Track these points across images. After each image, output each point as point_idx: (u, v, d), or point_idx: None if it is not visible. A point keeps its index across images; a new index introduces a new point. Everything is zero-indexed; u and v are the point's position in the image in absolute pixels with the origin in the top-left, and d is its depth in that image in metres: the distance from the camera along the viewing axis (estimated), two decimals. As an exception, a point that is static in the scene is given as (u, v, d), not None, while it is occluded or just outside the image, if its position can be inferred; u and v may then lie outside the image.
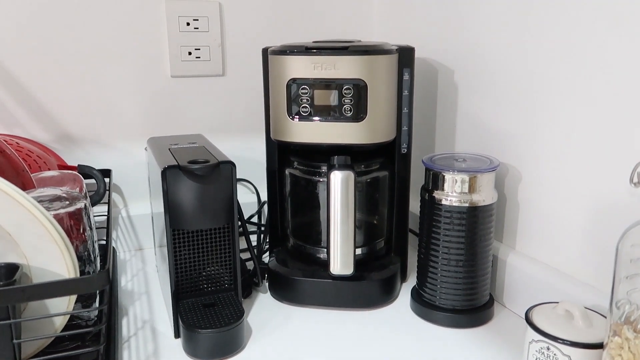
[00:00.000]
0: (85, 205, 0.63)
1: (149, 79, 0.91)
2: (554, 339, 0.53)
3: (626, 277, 0.45)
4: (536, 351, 0.55)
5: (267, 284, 0.78)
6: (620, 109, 0.56)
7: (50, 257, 0.52)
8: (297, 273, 0.74)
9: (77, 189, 0.71)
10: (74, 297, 0.54)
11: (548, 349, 0.53)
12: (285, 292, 0.74)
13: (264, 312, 0.73)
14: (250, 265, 0.80)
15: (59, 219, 0.58)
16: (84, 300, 0.61)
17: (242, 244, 0.81)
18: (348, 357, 0.63)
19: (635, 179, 0.45)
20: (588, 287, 0.61)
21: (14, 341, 0.49)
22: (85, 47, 0.86)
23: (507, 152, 0.72)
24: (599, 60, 0.58)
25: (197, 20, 0.90)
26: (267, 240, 0.86)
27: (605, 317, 0.52)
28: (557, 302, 0.57)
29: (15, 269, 0.50)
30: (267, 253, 0.86)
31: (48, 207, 0.58)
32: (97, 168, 0.87)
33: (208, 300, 0.66)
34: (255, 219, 0.98)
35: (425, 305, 0.70)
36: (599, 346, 0.50)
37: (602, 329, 0.52)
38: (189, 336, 0.62)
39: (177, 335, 0.66)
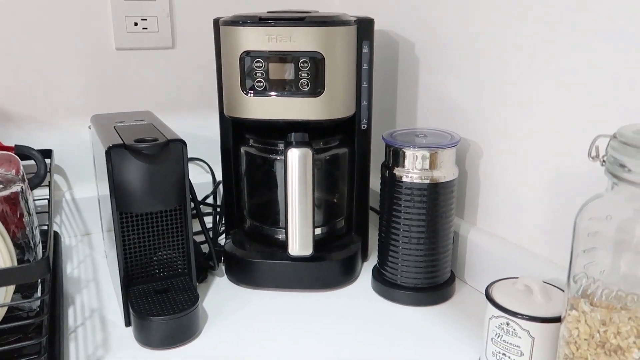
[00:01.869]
0: (22, 188, 0.59)
1: (92, 52, 0.85)
2: (513, 314, 0.53)
3: (583, 250, 0.45)
4: (496, 327, 0.55)
5: (223, 267, 0.76)
6: (579, 83, 0.56)
7: (-19, 245, 0.48)
8: (255, 255, 0.72)
9: (13, 171, 0.66)
10: (11, 288, 0.51)
11: (507, 324, 0.53)
12: (243, 275, 0.72)
13: (221, 296, 0.70)
14: (205, 248, 0.77)
15: (-8, 203, 0.54)
16: (24, 290, 0.58)
17: (197, 227, 0.78)
18: (308, 339, 0.61)
19: (594, 153, 0.44)
20: (548, 262, 0.62)
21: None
22: (21, 17, 0.80)
23: (468, 127, 0.72)
24: (558, 35, 0.57)
25: (143, -12, 0.85)
26: (223, 221, 0.83)
27: (564, 291, 0.53)
28: (517, 278, 0.57)
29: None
30: (224, 235, 0.83)
31: (-22, 191, 0.54)
32: (36, 148, 0.81)
33: (160, 286, 0.64)
34: (210, 200, 0.95)
35: (387, 284, 0.70)
36: (557, 320, 0.51)
37: (561, 303, 0.53)
38: (141, 324, 0.59)
39: (127, 324, 0.63)
